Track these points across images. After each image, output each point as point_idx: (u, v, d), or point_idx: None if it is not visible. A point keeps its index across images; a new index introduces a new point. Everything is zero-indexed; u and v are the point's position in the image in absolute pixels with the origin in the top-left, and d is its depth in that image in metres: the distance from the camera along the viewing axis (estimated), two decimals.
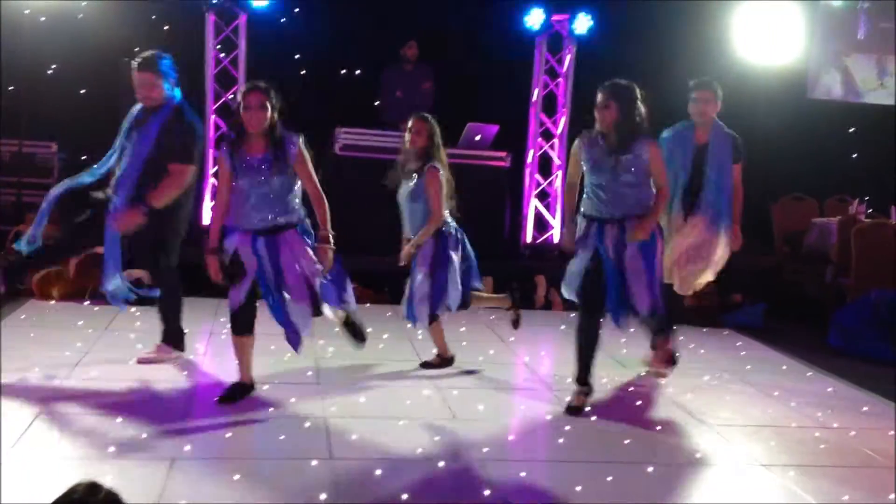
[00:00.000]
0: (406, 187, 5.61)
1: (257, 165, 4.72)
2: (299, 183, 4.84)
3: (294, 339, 4.91)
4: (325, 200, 4.87)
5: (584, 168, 5.12)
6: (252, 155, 4.74)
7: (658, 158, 5.12)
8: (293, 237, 4.81)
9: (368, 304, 7.15)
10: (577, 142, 5.21)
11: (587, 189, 5.13)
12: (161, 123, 5.39)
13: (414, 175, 5.58)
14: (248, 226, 4.76)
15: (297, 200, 4.85)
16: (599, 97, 5.03)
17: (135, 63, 5.44)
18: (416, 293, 5.59)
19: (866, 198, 9.65)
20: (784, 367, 6.61)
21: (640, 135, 5.01)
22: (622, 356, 6.16)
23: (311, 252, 4.84)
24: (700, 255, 5.77)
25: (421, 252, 5.57)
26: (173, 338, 5.66)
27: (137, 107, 5.51)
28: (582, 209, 5.17)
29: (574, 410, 5.09)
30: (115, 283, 5.47)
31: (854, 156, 10.81)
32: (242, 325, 4.88)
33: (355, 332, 5.36)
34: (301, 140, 4.81)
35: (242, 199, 4.75)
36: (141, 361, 5.56)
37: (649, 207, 5.06)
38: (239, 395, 4.92)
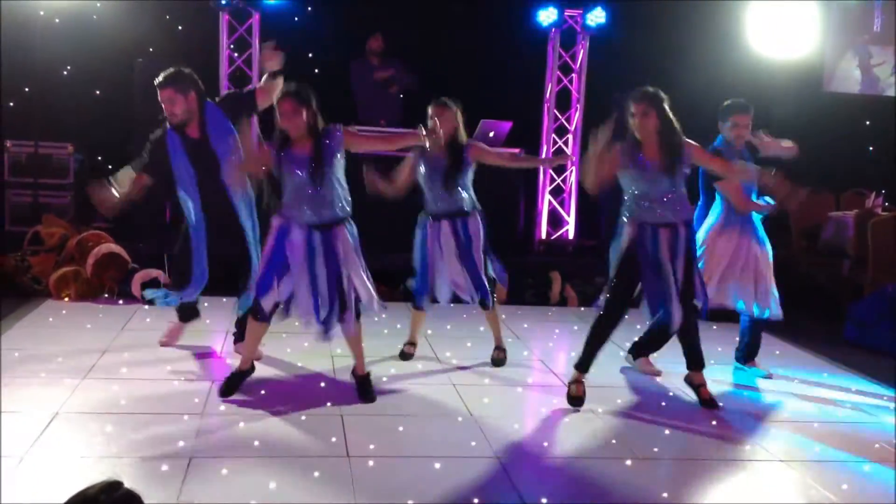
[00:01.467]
0: (441, 169, 5.65)
1: (306, 162, 4.85)
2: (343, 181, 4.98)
3: (327, 328, 4.95)
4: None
5: (627, 175, 5.06)
6: (299, 153, 4.86)
7: (706, 154, 5.23)
8: (345, 233, 4.94)
9: (386, 303, 7.15)
10: (614, 144, 5.04)
11: (634, 195, 5.07)
12: (216, 128, 5.45)
13: (444, 158, 5.64)
14: (303, 220, 4.88)
15: (346, 197, 4.98)
16: (637, 107, 4.98)
17: (159, 80, 5.42)
18: (482, 273, 5.75)
19: (883, 191, 9.59)
20: (801, 362, 6.58)
21: (682, 139, 5.04)
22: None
23: (358, 254, 4.98)
24: (769, 272, 5.83)
25: (476, 229, 5.73)
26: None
27: (168, 131, 5.44)
28: (628, 213, 5.11)
29: (577, 401, 5.12)
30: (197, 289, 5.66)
31: (871, 149, 10.75)
32: (266, 312, 4.94)
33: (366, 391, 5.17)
34: (341, 126, 5.00)
35: (294, 195, 4.87)
36: (164, 344, 5.89)
37: (691, 209, 5.19)
38: (238, 383, 4.99)
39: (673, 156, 4.99)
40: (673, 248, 5.02)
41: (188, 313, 5.92)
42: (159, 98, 5.41)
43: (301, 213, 4.87)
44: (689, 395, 5.50)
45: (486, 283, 5.79)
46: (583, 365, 5.22)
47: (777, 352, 6.75)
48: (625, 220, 5.13)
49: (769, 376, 5.99)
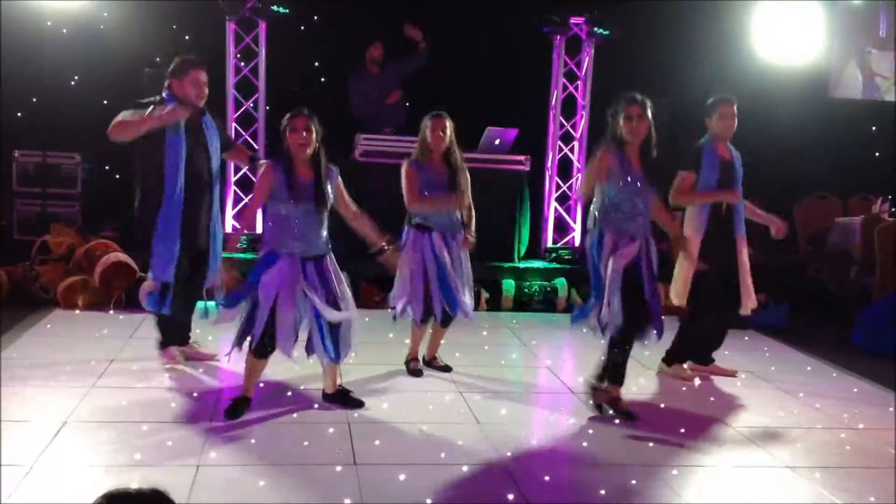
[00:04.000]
0: (443, 183, 5.64)
1: (309, 190, 4.74)
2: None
3: (338, 353, 4.89)
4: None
5: (615, 181, 4.95)
6: (304, 180, 4.76)
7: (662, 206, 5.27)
8: (333, 262, 4.89)
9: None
10: (606, 152, 4.99)
11: (616, 205, 4.96)
12: (213, 122, 5.69)
13: (444, 172, 5.65)
14: (297, 251, 4.74)
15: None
16: (634, 109, 4.93)
17: (192, 60, 5.57)
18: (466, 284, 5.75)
19: (889, 196, 9.58)
20: (808, 368, 6.57)
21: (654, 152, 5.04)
22: (645, 358, 6.13)
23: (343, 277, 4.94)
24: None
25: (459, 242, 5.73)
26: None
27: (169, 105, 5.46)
28: (611, 225, 4.97)
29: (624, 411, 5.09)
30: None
31: (877, 154, 10.74)
32: (268, 349, 4.80)
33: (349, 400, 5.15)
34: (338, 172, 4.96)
35: (291, 223, 4.72)
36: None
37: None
38: (243, 408, 4.87)
39: (651, 167, 4.98)
40: (647, 261, 5.01)
41: (169, 330, 5.75)
42: (190, 76, 5.49)
43: (294, 244, 4.73)
44: (697, 402, 5.51)
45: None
46: (621, 379, 5.14)
47: (808, 367, 6.74)
48: (603, 229, 4.98)
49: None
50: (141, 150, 5.52)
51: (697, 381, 5.94)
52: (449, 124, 5.68)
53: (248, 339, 4.79)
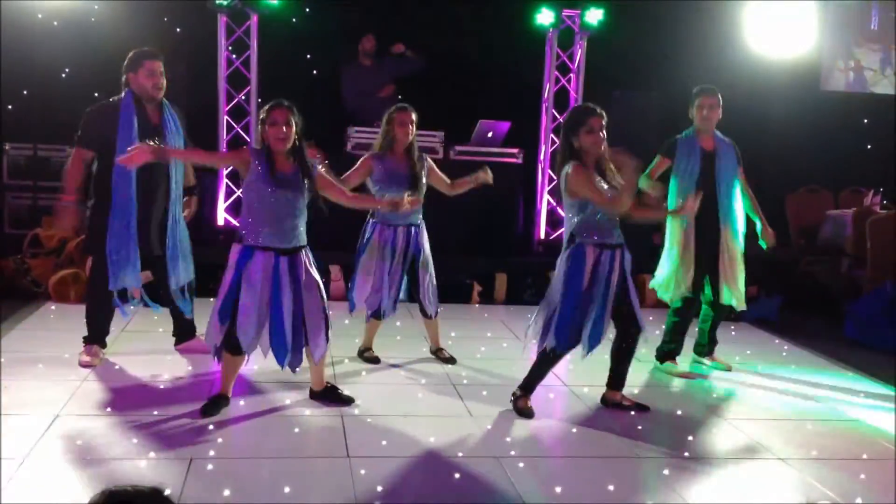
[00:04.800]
0: (403, 176, 5.65)
1: (290, 180, 4.64)
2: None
3: (294, 362, 4.78)
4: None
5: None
6: (284, 169, 4.65)
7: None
8: (307, 258, 4.76)
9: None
10: (578, 167, 4.84)
11: (592, 216, 4.85)
12: (176, 115, 5.57)
13: (405, 165, 5.69)
14: (272, 244, 4.61)
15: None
16: (598, 122, 4.81)
17: (146, 51, 5.44)
18: (432, 282, 5.85)
19: (881, 189, 9.61)
20: (801, 360, 6.60)
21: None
22: (639, 354, 6.14)
23: (318, 279, 4.81)
24: (739, 268, 5.85)
25: (425, 239, 5.80)
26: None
27: (123, 101, 5.42)
28: (585, 236, 4.88)
29: (527, 413, 4.97)
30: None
31: (868, 147, 10.77)
32: (245, 347, 4.68)
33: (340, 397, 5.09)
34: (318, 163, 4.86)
35: (269, 214, 4.60)
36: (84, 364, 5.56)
37: None
38: (221, 407, 4.78)
39: (612, 174, 4.89)
40: (622, 271, 4.94)
41: (96, 326, 5.67)
42: (145, 67, 5.38)
43: (272, 237, 4.61)
44: (690, 395, 5.52)
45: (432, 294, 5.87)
46: (531, 388, 5.07)
47: (800, 360, 6.76)
48: (582, 242, 4.89)
49: (729, 369, 6.12)
50: (95, 149, 5.50)
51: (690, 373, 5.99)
52: (414, 117, 5.67)
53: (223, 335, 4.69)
